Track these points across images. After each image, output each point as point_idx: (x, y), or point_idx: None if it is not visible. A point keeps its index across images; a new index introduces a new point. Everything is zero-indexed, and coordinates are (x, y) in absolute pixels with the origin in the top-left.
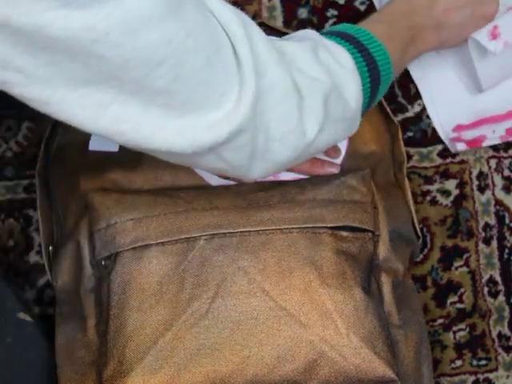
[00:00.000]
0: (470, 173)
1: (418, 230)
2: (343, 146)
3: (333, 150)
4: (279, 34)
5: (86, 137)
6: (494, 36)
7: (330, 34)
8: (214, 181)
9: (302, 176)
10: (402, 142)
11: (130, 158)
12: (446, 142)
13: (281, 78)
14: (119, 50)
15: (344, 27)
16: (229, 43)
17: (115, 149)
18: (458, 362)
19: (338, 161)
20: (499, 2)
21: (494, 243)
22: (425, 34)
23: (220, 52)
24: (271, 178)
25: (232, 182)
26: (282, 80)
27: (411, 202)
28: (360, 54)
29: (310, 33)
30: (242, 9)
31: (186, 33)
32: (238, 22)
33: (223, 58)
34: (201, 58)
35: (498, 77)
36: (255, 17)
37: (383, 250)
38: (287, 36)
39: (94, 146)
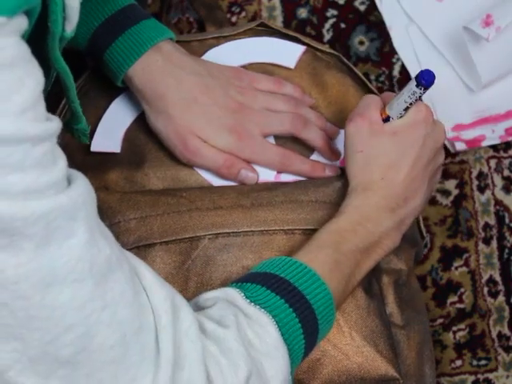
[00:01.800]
0: (470, 173)
1: (424, 230)
2: (343, 148)
3: (332, 153)
4: (279, 34)
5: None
6: (488, 24)
7: (258, 283)
8: (216, 181)
9: (303, 178)
10: None
11: (132, 158)
12: (445, 141)
13: (198, 374)
14: (25, 302)
15: (281, 264)
16: (153, 326)
17: (117, 150)
18: (458, 362)
19: (338, 163)
20: None
21: (494, 243)
22: (383, 240)
23: (141, 333)
24: (272, 180)
25: (234, 183)
26: (199, 377)
27: None
28: (292, 308)
29: (231, 295)
30: (242, 9)
31: (104, 303)
32: (166, 308)
33: (143, 340)
34: (115, 334)
35: (496, 67)
36: (255, 17)
37: None
38: (208, 295)
39: (96, 146)
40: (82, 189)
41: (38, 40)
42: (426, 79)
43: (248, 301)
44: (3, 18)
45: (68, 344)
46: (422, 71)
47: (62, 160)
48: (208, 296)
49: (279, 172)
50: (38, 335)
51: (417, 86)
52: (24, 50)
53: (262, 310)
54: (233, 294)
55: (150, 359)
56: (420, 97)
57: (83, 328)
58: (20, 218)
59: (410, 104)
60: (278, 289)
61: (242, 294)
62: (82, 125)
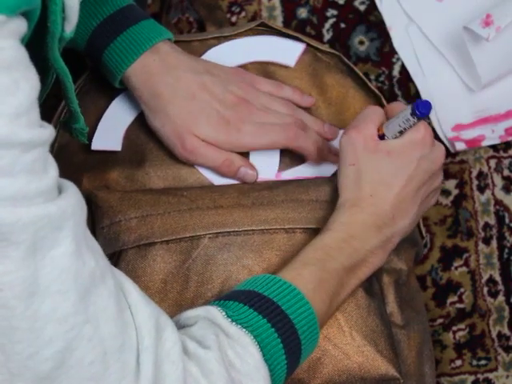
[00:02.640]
0: (470, 173)
1: (423, 230)
2: None
3: (334, 155)
4: (279, 34)
5: (88, 135)
6: (487, 24)
7: (240, 301)
8: (217, 180)
9: (304, 176)
10: None
11: (133, 156)
12: (445, 141)
13: None
14: (7, 312)
15: (264, 282)
16: (135, 345)
17: (118, 148)
18: (458, 362)
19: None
20: None
21: (494, 243)
22: (368, 258)
23: (122, 351)
24: (273, 178)
25: (235, 182)
26: None
27: None
28: (275, 328)
29: (212, 312)
30: (242, 9)
31: (86, 318)
32: (150, 327)
33: (124, 358)
34: (96, 349)
35: (496, 67)
36: (255, 17)
37: None
38: (189, 313)
39: (96, 145)
40: (73, 199)
41: (37, 40)
42: (421, 111)
43: (229, 320)
44: (2, 16)
45: (48, 358)
46: (419, 102)
47: (53, 169)
48: (189, 315)
49: (280, 171)
50: (19, 348)
51: (411, 114)
52: (22, 53)
53: (244, 329)
54: (214, 312)
55: (129, 379)
56: (414, 124)
57: (63, 342)
58: (7, 224)
59: (405, 129)
60: (260, 308)
61: (224, 313)
62: (79, 124)
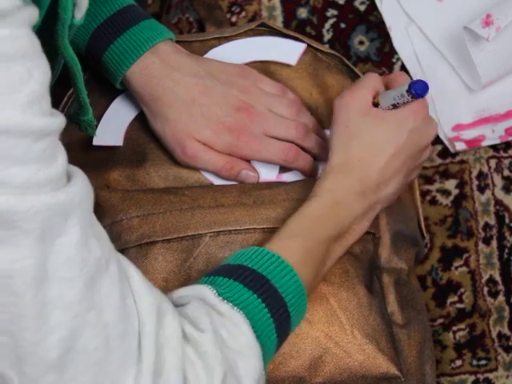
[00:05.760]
0: (470, 173)
1: (424, 229)
2: None
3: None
4: (280, 34)
5: (87, 135)
6: (488, 24)
7: (230, 277)
8: (217, 181)
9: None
10: None
11: (134, 156)
12: (445, 141)
13: (175, 379)
14: (16, 299)
15: (254, 255)
16: (137, 331)
17: (120, 143)
18: (458, 362)
19: None
20: None
21: (494, 243)
22: (353, 226)
23: (125, 337)
24: (274, 179)
25: (235, 182)
26: (175, 382)
27: (419, 203)
28: (265, 303)
29: (203, 292)
30: (242, 9)
31: (91, 305)
32: (152, 314)
33: (126, 344)
34: (99, 336)
35: (496, 67)
36: (255, 17)
37: (385, 252)
38: (181, 292)
39: (98, 140)
40: (80, 188)
41: (46, 28)
42: (417, 90)
43: (220, 298)
44: (19, 0)
45: (54, 345)
46: (416, 81)
47: (62, 156)
48: (181, 293)
49: (280, 173)
50: (27, 335)
51: (407, 91)
52: (35, 42)
53: (235, 307)
54: (205, 292)
55: (131, 364)
56: (407, 102)
57: (68, 329)
58: (19, 212)
59: (398, 104)
60: (250, 283)
61: (215, 291)
62: (88, 117)
